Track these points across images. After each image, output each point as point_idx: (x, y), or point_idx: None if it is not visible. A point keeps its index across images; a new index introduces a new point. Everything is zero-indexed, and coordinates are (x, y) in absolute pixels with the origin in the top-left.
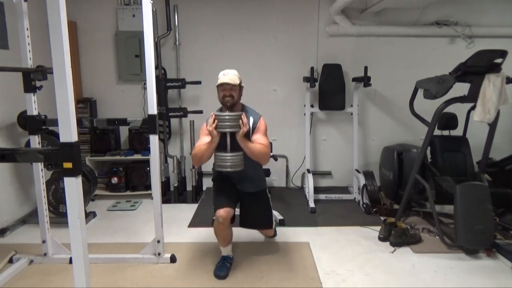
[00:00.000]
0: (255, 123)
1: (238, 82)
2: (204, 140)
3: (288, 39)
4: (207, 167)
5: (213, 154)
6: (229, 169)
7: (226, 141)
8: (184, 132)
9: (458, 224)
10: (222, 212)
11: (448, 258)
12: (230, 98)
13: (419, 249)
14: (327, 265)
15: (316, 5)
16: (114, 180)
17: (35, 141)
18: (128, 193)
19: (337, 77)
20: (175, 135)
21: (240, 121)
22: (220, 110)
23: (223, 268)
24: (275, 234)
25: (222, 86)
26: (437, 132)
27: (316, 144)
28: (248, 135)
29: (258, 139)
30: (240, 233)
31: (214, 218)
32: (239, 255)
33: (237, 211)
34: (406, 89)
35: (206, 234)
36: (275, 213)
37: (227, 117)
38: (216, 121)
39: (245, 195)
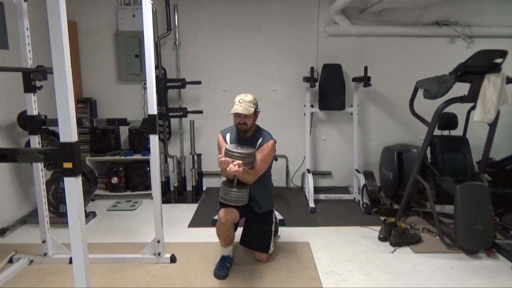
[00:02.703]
0: (261, 144)
1: (252, 111)
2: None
3: (288, 39)
4: (207, 167)
5: (220, 185)
6: (231, 204)
7: (234, 177)
8: (184, 132)
9: (458, 224)
10: (224, 213)
11: (448, 258)
12: (244, 125)
13: (419, 249)
14: (327, 265)
15: (316, 5)
16: (114, 180)
17: (35, 141)
18: (128, 193)
19: (337, 77)
20: (175, 135)
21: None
22: (236, 132)
23: (223, 268)
24: (276, 235)
25: (237, 114)
26: (437, 132)
27: (316, 144)
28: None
29: (257, 159)
30: (240, 234)
31: (216, 218)
32: (239, 255)
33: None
34: (406, 89)
35: (206, 234)
36: (275, 213)
37: (236, 154)
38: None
39: (251, 212)
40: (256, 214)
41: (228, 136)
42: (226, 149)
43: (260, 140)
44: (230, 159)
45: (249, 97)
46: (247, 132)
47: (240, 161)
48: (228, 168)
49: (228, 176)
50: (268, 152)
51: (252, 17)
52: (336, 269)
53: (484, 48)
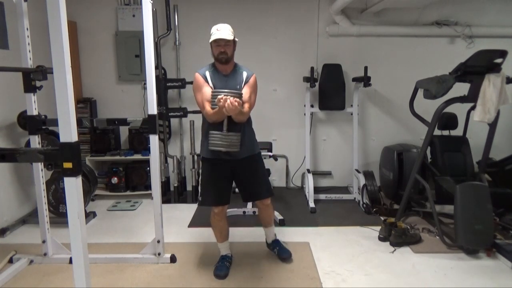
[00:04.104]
0: (248, 78)
1: (232, 37)
2: (207, 92)
3: (288, 39)
4: None
5: (208, 132)
6: (223, 149)
7: (223, 120)
8: (184, 132)
9: (458, 224)
10: (217, 209)
11: (448, 258)
12: (225, 54)
13: (419, 249)
14: (327, 265)
15: (316, 5)
16: (114, 180)
17: (35, 141)
18: (128, 193)
19: (337, 77)
20: (175, 135)
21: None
22: (213, 66)
23: (223, 267)
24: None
25: (217, 42)
26: (437, 132)
27: (316, 144)
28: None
29: (246, 94)
30: (240, 233)
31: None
32: (239, 255)
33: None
34: (406, 89)
35: (206, 234)
36: (275, 213)
37: (227, 94)
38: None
39: (240, 164)
40: (246, 161)
41: (208, 74)
42: (213, 92)
43: (245, 73)
44: (228, 96)
45: (226, 25)
46: (228, 65)
47: (237, 99)
48: (227, 105)
49: (221, 118)
50: (255, 85)
51: (252, 18)
52: (336, 269)
53: (484, 48)
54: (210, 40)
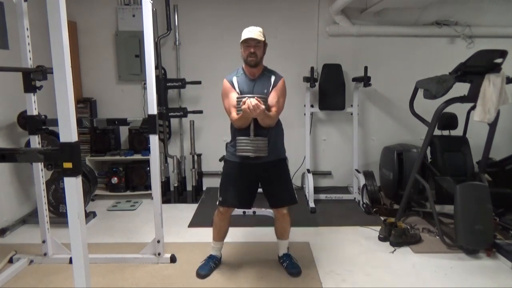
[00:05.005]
0: (276, 82)
1: (263, 39)
2: (233, 98)
3: (288, 39)
4: (207, 167)
5: (235, 137)
6: (251, 154)
7: (249, 125)
8: (184, 132)
9: (458, 224)
10: (222, 209)
11: (448, 258)
12: (254, 57)
13: (419, 249)
14: (327, 265)
15: (316, 5)
16: (114, 180)
17: (35, 141)
18: (128, 193)
19: (337, 77)
20: (175, 135)
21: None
22: (242, 70)
23: (206, 267)
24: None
25: (247, 43)
26: (437, 132)
27: (316, 144)
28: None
29: (274, 98)
30: (240, 233)
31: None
32: (239, 255)
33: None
34: (406, 89)
35: (206, 234)
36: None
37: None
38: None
39: (263, 168)
40: (271, 166)
41: (235, 80)
42: (237, 98)
43: (273, 77)
44: (253, 99)
45: (258, 28)
46: (256, 68)
47: (260, 100)
48: (248, 104)
49: (247, 121)
50: (283, 89)
51: (252, 17)
52: (336, 269)
53: (484, 48)
54: (240, 41)
